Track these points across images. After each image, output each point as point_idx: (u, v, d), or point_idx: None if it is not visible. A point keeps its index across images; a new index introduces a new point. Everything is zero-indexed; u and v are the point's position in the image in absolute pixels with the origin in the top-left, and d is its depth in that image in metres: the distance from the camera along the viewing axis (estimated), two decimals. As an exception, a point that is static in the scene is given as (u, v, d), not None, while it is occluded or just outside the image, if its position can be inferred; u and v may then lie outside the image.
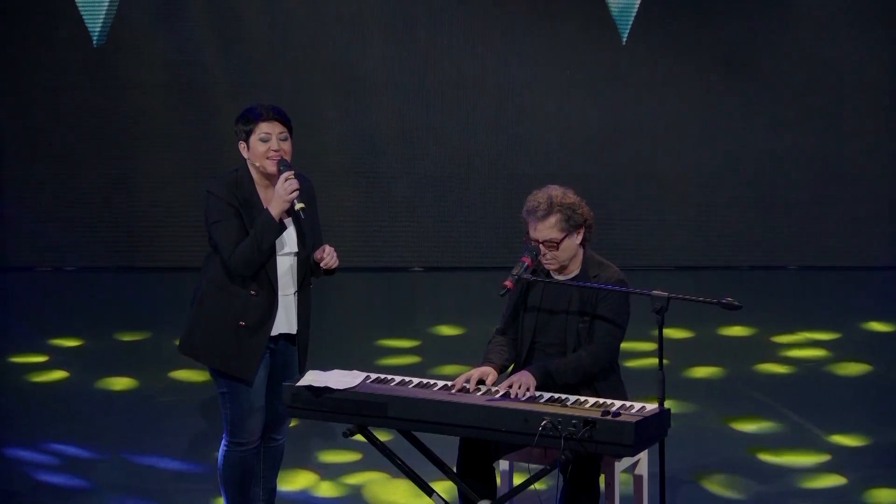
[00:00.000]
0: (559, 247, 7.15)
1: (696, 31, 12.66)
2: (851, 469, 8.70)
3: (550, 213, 7.15)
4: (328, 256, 7.29)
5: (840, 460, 8.85)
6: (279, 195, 7.10)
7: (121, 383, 10.26)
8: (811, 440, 9.16)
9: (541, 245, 7.17)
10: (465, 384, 7.04)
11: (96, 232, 13.01)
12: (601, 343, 7.17)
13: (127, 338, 11.26)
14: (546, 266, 7.21)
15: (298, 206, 7.10)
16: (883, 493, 8.36)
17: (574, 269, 7.25)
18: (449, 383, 7.11)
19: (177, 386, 10.10)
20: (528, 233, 7.21)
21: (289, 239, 7.32)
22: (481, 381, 7.08)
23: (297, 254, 7.32)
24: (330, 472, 8.65)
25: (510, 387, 6.98)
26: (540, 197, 7.20)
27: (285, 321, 7.36)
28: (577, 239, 7.20)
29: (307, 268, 7.36)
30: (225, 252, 7.18)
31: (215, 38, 12.76)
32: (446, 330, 11.31)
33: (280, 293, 7.29)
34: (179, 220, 12.60)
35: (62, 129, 12.92)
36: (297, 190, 7.10)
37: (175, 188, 12.64)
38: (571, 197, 7.22)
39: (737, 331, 11.13)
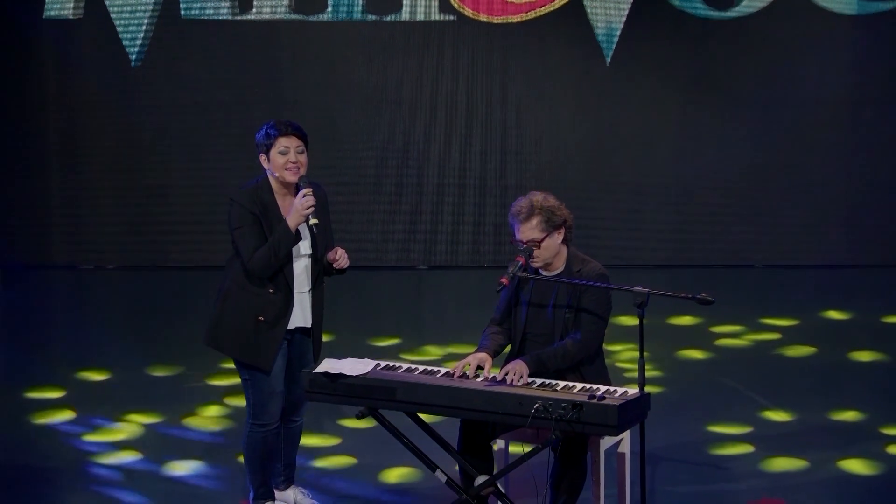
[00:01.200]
0: (541, 245, 7.17)
1: (673, 53, 12.66)
2: (764, 441, 8.75)
3: (532, 216, 7.16)
4: (340, 258, 7.33)
5: (759, 433, 8.88)
6: (296, 209, 7.12)
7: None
8: (743, 415, 9.18)
9: (524, 244, 7.19)
10: (464, 371, 7.06)
11: (134, 234, 13.02)
12: (587, 332, 7.18)
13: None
14: (532, 264, 7.23)
15: (312, 221, 7.12)
16: (778, 462, 8.40)
17: (559, 266, 7.26)
18: (451, 370, 7.13)
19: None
20: (513, 235, 7.22)
21: (304, 242, 7.34)
22: (479, 367, 7.11)
23: (311, 255, 7.35)
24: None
25: (507, 374, 7.00)
26: (522, 202, 7.22)
27: (301, 316, 7.39)
28: (558, 238, 7.20)
29: (321, 268, 7.39)
30: (245, 255, 7.21)
31: (240, 60, 12.77)
32: (446, 319, 11.34)
33: (296, 291, 7.32)
34: (208, 224, 12.59)
35: (104, 142, 12.93)
36: (312, 206, 7.11)
37: (204, 195, 12.65)
38: (551, 200, 7.23)
39: (685, 320, 11.17)
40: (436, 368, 7.18)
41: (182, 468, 8.46)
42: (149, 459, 8.60)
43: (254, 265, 7.20)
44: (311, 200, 7.13)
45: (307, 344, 7.46)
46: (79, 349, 10.81)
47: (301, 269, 7.33)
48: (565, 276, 7.21)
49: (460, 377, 7.04)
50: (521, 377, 6.95)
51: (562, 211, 7.23)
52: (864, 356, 10.38)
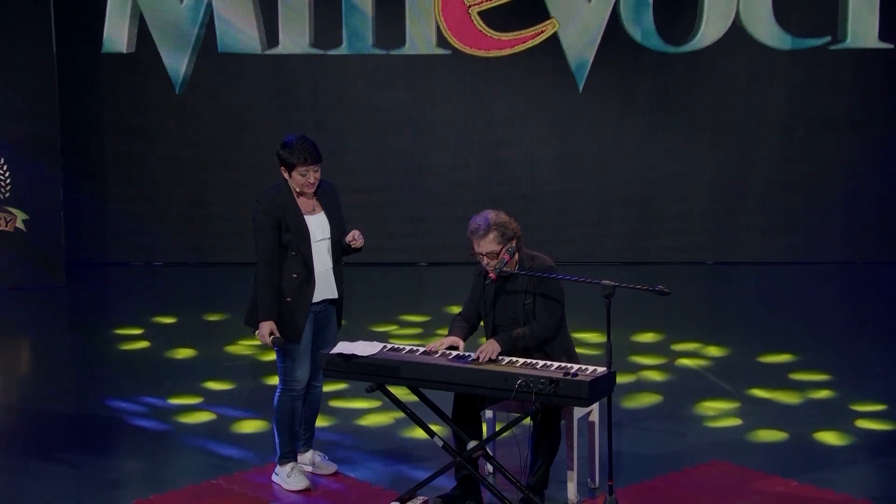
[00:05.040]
0: (498, 256, 7.16)
1: (635, 82, 12.66)
2: (714, 410, 8.79)
3: (489, 232, 7.15)
4: (357, 238, 7.40)
5: (713, 405, 8.90)
6: (260, 335, 7.31)
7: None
8: (699, 390, 9.18)
9: (483, 256, 7.18)
10: (438, 348, 7.12)
11: (179, 235, 13.01)
12: (548, 315, 7.17)
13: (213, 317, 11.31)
14: (490, 270, 7.22)
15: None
16: (726, 427, 8.43)
17: (514, 267, 7.23)
18: (428, 348, 7.14)
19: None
20: (472, 248, 7.20)
21: (324, 228, 7.39)
22: (453, 347, 7.16)
23: (330, 238, 7.39)
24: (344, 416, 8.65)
25: (481, 353, 7.02)
26: (479, 220, 7.20)
27: (327, 290, 7.44)
28: (512, 247, 7.18)
29: (339, 248, 7.43)
30: (258, 259, 7.30)
31: (268, 88, 12.77)
32: (444, 309, 11.32)
33: (320, 269, 7.37)
34: (241, 226, 12.53)
35: (152, 157, 12.92)
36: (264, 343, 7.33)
37: (237, 202, 12.63)
38: (503, 216, 7.21)
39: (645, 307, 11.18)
40: (434, 350, 7.18)
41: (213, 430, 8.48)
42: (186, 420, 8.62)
43: (257, 274, 7.27)
44: (267, 342, 7.30)
45: (331, 312, 7.52)
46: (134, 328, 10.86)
47: (322, 250, 7.39)
48: (501, 277, 7.19)
49: (441, 356, 7.08)
50: (492, 356, 6.97)
51: (512, 225, 7.20)
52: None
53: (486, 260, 7.18)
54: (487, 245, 7.14)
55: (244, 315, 7.46)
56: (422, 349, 7.19)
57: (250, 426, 8.58)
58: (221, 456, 8.09)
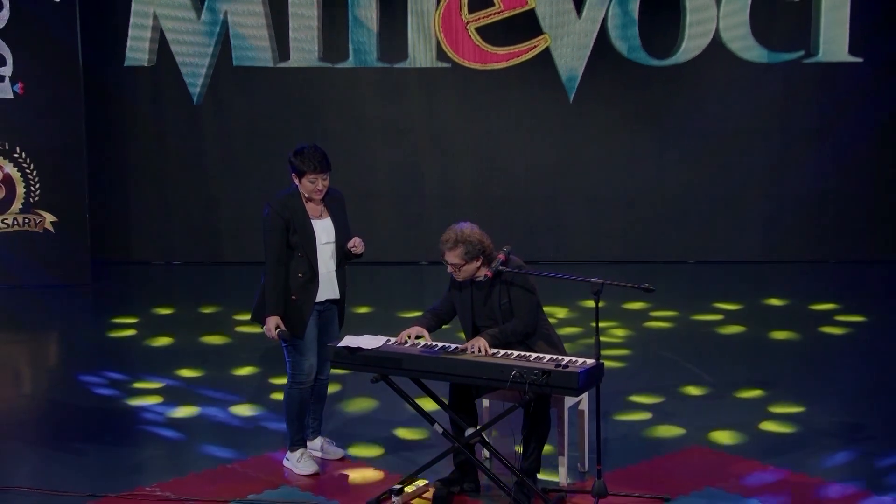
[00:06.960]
0: (461, 269, 7.15)
1: (622, 92, 12.67)
2: (696, 400, 8.76)
3: (456, 247, 7.12)
4: (358, 245, 7.40)
5: (694, 394, 8.90)
6: (266, 328, 7.32)
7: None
8: (678, 380, 9.16)
9: (448, 264, 7.18)
10: (406, 338, 7.14)
11: (195, 236, 13.02)
12: (525, 312, 7.17)
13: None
14: (458, 278, 7.22)
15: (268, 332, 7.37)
16: (703, 417, 8.41)
17: (484, 272, 7.21)
18: (397, 339, 7.13)
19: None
20: (443, 255, 7.20)
21: (329, 232, 7.39)
22: (419, 336, 7.17)
23: (334, 242, 7.40)
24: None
25: (472, 347, 7.03)
26: (450, 233, 7.17)
27: (330, 290, 7.44)
28: (477, 263, 7.16)
29: (343, 252, 7.43)
30: (266, 258, 7.31)
31: (279, 98, 12.78)
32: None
33: (325, 271, 7.37)
34: (253, 228, 12.49)
35: (171, 163, 12.94)
36: (271, 336, 7.34)
37: (250, 205, 12.64)
38: (476, 235, 7.15)
39: (633, 304, 11.16)
40: (432, 343, 7.19)
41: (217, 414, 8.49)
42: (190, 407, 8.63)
43: (265, 273, 7.27)
44: (273, 336, 7.31)
45: (334, 312, 7.52)
46: (150, 322, 10.86)
47: (326, 253, 7.39)
48: (494, 276, 7.16)
49: (401, 343, 7.13)
50: (481, 350, 6.98)
51: (482, 244, 7.13)
52: (781, 335, 10.37)
53: (449, 268, 7.20)
54: (452, 257, 7.14)
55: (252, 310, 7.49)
56: (422, 343, 7.19)
57: (263, 414, 8.59)
58: (237, 442, 8.10)
